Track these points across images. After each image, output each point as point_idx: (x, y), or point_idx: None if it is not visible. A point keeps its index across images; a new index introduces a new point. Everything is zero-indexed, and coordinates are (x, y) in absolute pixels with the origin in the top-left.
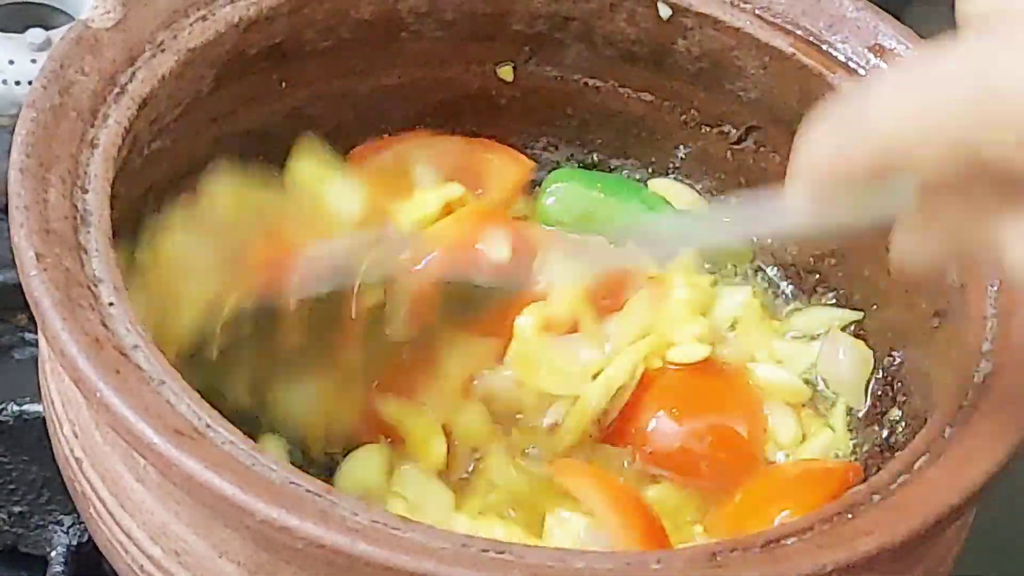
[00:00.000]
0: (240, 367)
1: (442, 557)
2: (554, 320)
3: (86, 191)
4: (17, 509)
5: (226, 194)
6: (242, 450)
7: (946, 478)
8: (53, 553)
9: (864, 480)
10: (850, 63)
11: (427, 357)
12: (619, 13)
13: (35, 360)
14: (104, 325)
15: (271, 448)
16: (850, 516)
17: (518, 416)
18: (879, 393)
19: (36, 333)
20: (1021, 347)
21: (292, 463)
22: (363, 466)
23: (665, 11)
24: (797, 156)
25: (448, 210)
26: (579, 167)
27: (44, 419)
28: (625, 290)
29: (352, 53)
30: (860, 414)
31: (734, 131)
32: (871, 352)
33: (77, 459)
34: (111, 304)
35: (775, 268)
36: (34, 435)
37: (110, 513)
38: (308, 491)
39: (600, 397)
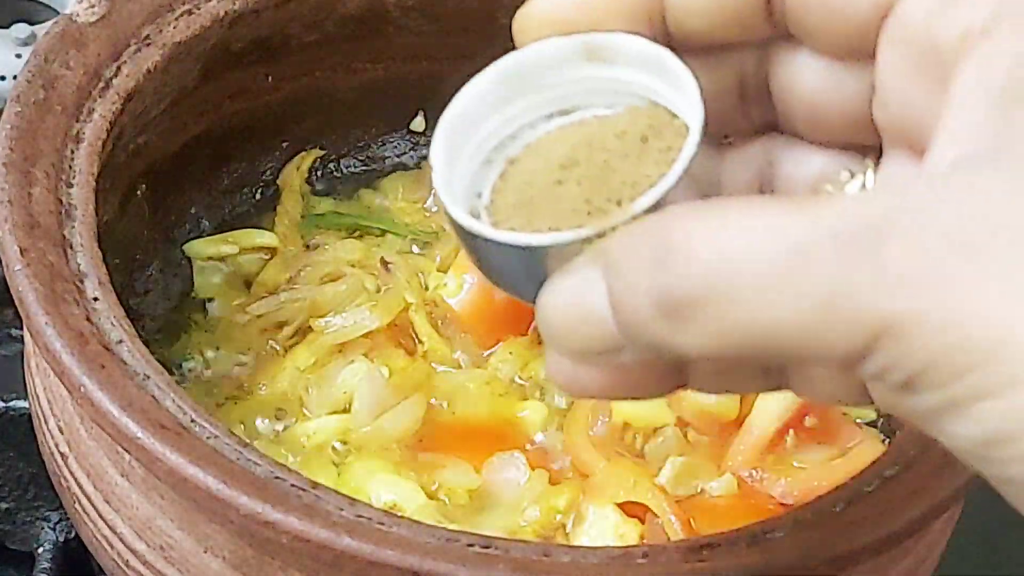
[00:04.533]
0: None
1: (427, 552)
2: None
3: (71, 185)
4: (3, 505)
5: None
6: (227, 444)
7: (933, 473)
8: (40, 549)
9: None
10: None
11: None
12: None
13: (21, 355)
14: (89, 320)
15: None
16: (837, 510)
17: None
18: None
19: (22, 328)
20: None
21: None
22: None
23: None
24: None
25: None
26: None
27: (30, 415)
28: None
29: (338, 47)
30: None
31: None
32: None
33: (62, 454)
34: (96, 299)
35: None
36: (20, 431)
37: (95, 508)
38: (293, 486)
39: None
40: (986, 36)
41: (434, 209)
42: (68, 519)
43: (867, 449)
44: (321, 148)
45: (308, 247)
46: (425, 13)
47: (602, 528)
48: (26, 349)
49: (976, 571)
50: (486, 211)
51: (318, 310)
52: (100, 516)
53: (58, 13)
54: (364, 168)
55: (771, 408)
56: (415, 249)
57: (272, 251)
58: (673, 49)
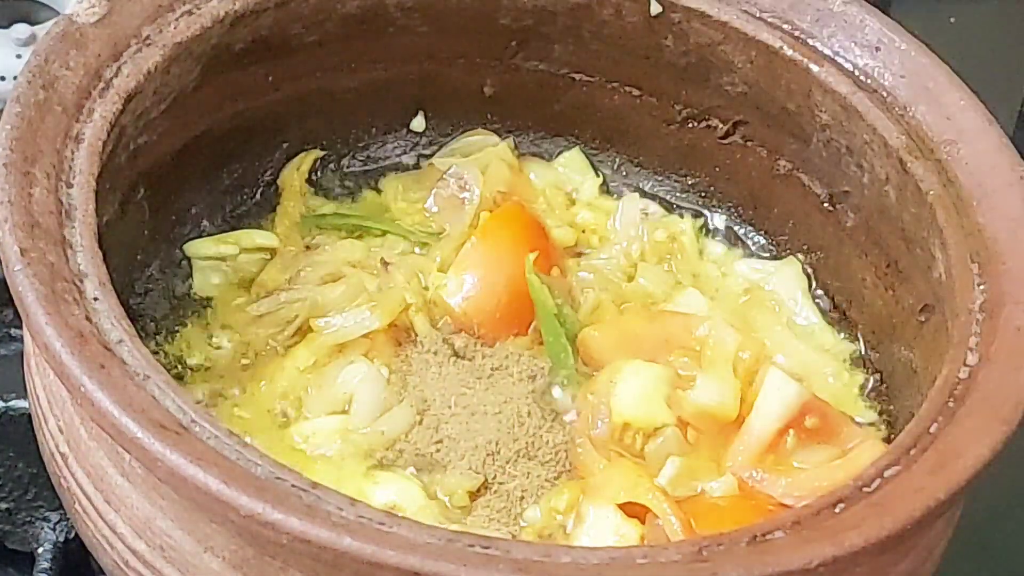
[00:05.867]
0: None
1: (428, 552)
2: None
3: (71, 186)
4: (4, 506)
5: None
6: (227, 444)
7: (933, 473)
8: (40, 549)
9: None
10: (837, 57)
11: None
12: (606, 8)
13: (21, 356)
14: (88, 320)
15: None
16: (837, 510)
17: None
18: (867, 387)
19: (22, 328)
20: (1007, 341)
21: None
22: None
23: (656, 8)
24: None
25: None
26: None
27: (30, 415)
28: None
29: (338, 47)
30: None
31: (721, 125)
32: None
33: (62, 454)
34: (96, 299)
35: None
36: (20, 431)
37: (95, 508)
38: (294, 486)
39: None
40: None
41: (434, 209)
42: (68, 519)
43: (867, 449)
44: (321, 148)
45: (308, 247)
46: (425, 13)
47: (602, 528)
48: (26, 349)
49: (976, 571)
50: None
51: (318, 310)
52: (100, 516)
53: (58, 13)
54: (364, 168)
55: (771, 408)
56: (416, 249)
57: (272, 251)
58: None
